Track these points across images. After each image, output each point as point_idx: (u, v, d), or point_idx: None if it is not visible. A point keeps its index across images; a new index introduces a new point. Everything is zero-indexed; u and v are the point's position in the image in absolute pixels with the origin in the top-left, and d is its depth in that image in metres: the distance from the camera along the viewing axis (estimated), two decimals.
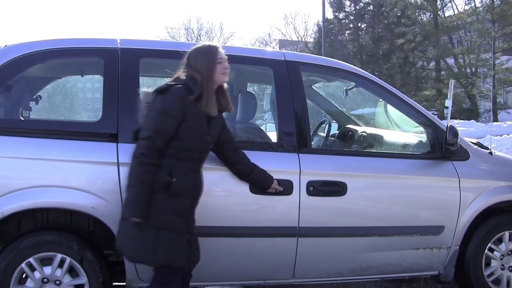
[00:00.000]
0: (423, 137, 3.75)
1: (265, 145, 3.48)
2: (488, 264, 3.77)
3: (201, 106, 2.73)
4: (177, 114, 2.68)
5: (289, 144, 3.32)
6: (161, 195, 2.68)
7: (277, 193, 3.18)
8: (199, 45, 2.88)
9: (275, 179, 3.16)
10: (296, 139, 3.33)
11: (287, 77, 3.40)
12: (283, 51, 3.80)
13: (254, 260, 3.29)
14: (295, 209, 3.25)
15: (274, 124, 3.50)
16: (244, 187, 3.16)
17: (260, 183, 3.13)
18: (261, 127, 4.14)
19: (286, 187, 3.21)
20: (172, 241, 2.71)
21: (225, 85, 2.91)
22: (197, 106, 2.72)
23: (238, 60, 3.51)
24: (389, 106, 4.07)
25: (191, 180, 2.78)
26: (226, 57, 2.85)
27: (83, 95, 58.59)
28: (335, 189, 3.32)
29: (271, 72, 3.46)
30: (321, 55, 14.57)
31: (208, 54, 2.80)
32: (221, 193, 3.20)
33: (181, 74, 2.81)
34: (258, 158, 3.17)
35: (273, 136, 3.50)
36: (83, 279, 2.99)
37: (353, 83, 4.03)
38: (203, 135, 2.80)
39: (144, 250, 2.70)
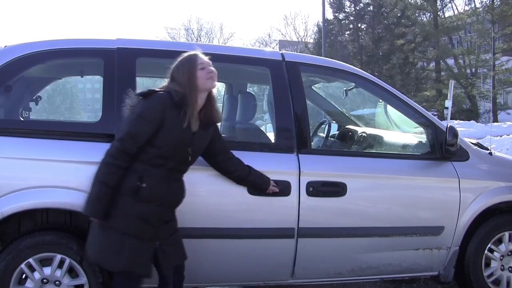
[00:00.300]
0: (423, 138, 3.75)
1: (265, 146, 3.48)
2: (488, 264, 3.77)
3: (185, 119, 2.65)
4: (154, 119, 2.61)
5: (288, 145, 3.31)
6: (128, 199, 2.62)
7: (275, 194, 3.17)
8: (179, 58, 2.78)
9: (273, 180, 3.15)
10: (296, 139, 3.33)
11: (285, 77, 3.39)
12: (283, 51, 3.80)
13: (252, 261, 3.28)
14: (294, 210, 3.25)
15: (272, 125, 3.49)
16: (242, 188, 3.15)
17: (258, 185, 3.12)
18: (260, 128, 4.14)
19: (284, 188, 3.21)
20: (135, 247, 2.64)
21: (214, 92, 2.84)
22: (179, 116, 2.65)
23: (237, 60, 3.51)
24: (389, 107, 4.08)
25: (163, 188, 2.69)
26: (209, 61, 2.77)
27: (83, 96, 58.54)
28: (335, 189, 3.32)
29: (269, 72, 3.45)
30: (321, 56, 14.56)
31: (187, 63, 2.73)
32: (218, 194, 3.19)
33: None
34: (257, 159, 3.17)
35: (272, 136, 3.49)
36: (82, 280, 2.99)
37: (353, 84, 4.03)
38: (184, 146, 2.71)
39: (106, 253, 2.66)
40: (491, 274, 3.77)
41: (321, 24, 26.44)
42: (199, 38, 46.78)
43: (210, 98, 2.80)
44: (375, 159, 3.61)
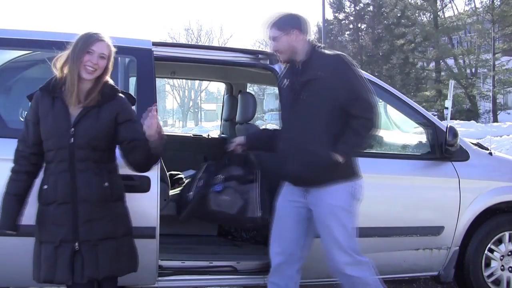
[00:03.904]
0: (423, 138, 3.75)
1: None
2: (488, 264, 3.77)
3: (54, 103, 2.43)
4: (31, 116, 2.47)
5: None
6: (39, 206, 2.47)
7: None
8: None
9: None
10: None
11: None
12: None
13: None
14: (153, 209, 3.01)
15: (274, 125, 3.48)
16: None
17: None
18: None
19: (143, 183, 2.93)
20: (50, 254, 2.41)
21: (109, 80, 2.52)
22: (50, 103, 2.43)
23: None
24: (389, 107, 4.07)
25: (64, 183, 2.40)
26: (106, 53, 2.43)
27: None
28: None
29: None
30: None
31: (82, 40, 2.44)
32: None
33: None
34: None
35: None
36: None
37: None
38: (62, 130, 2.41)
39: (33, 266, 2.49)
40: (491, 274, 3.77)
41: (321, 24, 26.44)
42: (199, 38, 46.84)
43: (96, 83, 2.47)
44: (375, 159, 3.60)
